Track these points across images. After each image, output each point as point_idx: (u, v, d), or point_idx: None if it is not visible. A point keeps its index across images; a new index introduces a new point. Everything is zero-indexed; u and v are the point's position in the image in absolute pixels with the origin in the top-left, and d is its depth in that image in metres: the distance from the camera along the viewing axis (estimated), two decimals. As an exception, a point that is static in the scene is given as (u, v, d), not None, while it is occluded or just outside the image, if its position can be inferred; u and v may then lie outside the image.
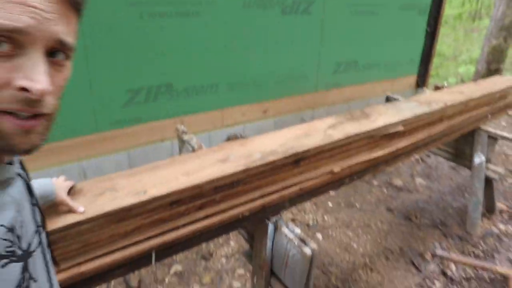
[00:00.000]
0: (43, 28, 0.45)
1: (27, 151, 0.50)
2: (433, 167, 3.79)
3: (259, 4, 3.25)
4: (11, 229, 0.52)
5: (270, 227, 1.57)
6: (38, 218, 0.64)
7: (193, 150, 1.89)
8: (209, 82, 3.23)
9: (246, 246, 2.51)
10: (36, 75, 0.45)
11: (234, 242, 2.54)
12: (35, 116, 0.48)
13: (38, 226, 0.62)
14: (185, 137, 2.05)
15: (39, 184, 0.97)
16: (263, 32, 3.37)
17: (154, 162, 1.32)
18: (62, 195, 1.03)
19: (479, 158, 2.76)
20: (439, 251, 1.98)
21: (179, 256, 2.41)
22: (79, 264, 1.06)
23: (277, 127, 3.91)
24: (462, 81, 9.29)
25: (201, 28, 2.96)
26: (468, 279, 2.32)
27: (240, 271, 2.32)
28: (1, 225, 0.50)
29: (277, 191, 1.50)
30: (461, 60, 9.85)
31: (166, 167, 1.29)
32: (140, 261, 1.19)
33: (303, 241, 1.46)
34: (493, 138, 2.77)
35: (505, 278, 2.02)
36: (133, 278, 2.19)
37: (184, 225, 1.24)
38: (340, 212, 2.96)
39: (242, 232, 1.83)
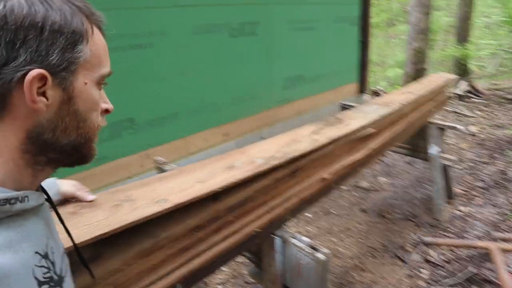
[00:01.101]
0: None
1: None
2: (390, 165, 4.05)
3: (208, 30, 3.32)
4: (45, 256, 0.55)
5: (278, 241, 1.60)
6: (62, 242, 0.67)
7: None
8: (169, 111, 3.21)
9: (238, 269, 2.49)
10: (108, 99, 0.66)
11: (226, 267, 2.50)
12: None
13: (64, 252, 0.65)
14: (167, 167, 2.03)
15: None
16: (215, 56, 3.44)
17: (161, 173, 1.31)
18: (69, 190, 1.02)
19: (434, 149, 3.00)
20: (426, 238, 2.11)
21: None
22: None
23: (238, 147, 3.96)
24: (392, 84, 10.06)
25: (156, 59, 2.96)
26: (449, 261, 2.49)
27: (239, 295, 2.29)
28: (36, 252, 0.52)
29: (280, 204, 1.54)
30: (387, 65, 10.69)
31: (177, 177, 1.27)
32: (168, 295, 1.15)
33: (314, 248, 1.50)
34: (441, 129, 3.04)
35: (485, 251, 2.20)
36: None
37: (205, 251, 1.23)
38: (319, 220, 3.04)
39: (244, 253, 1.82)
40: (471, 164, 3.96)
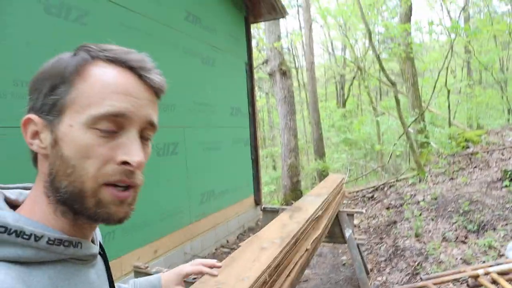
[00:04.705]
0: (138, 112, 0.55)
1: (121, 220, 0.56)
2: (308, 258, 4.57)
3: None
4: None
5: (294, 303, 1.88)
6: None
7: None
8: (105, 230, 3.23)
9: None
10: (133, 150, 0.54)
11: None
12: (128, 187, 0.56)
13: None
14: (153, 270, 2.16)
15: (146, 280, 0.96)
16: (146, 173, 3.71)
17: (224, 260, 1.54)
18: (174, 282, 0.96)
19: (348, 232, 3.70)
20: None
21: None
22: None
23: (166, 264, 4.02)
24: (267, 198, 11.21)
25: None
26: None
27: None
28: None
29: (293, 268, 1.88)
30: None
31: (235, 262, 1.54)
32: None
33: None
34: (351, 215, 3.80)
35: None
36: None
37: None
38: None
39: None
40: (367, 246, 4.78)
